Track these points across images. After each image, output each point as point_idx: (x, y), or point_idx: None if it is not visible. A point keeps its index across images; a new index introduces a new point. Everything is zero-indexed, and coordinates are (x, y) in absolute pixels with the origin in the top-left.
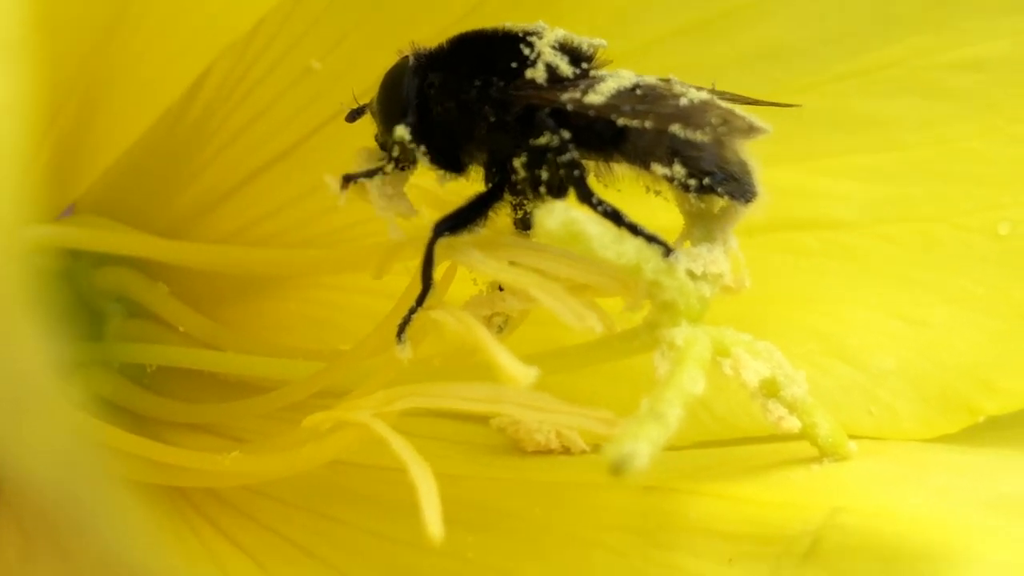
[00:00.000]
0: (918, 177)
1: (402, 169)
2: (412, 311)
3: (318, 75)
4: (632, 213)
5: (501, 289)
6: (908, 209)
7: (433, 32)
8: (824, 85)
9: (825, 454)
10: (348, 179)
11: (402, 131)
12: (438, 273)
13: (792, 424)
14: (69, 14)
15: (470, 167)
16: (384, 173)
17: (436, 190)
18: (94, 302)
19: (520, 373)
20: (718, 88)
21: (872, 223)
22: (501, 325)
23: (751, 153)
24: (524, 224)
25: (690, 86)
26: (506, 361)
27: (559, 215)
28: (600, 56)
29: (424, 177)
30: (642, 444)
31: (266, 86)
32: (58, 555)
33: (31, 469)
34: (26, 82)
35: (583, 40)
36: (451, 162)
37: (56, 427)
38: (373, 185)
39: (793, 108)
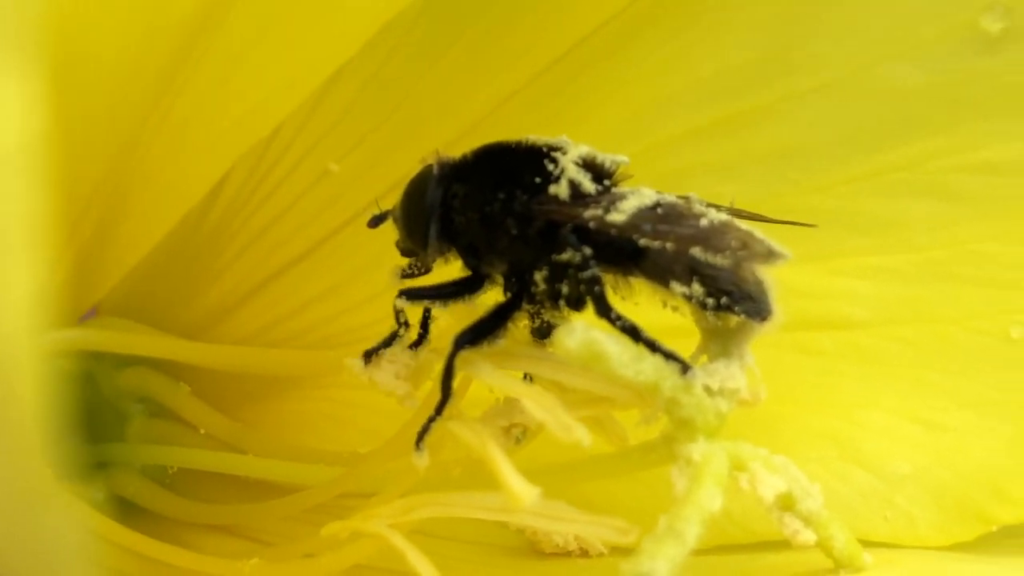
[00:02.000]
0: (931, 278)
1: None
2: (431, 420)
3: (336, 177)
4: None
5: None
6: (921, 310)
7: (450, 136)
8: (838, 186)
9: (841, 566)
10: (368, 355)
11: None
12: (456, 383)
13: (808, 537)
14: (89, 128)
15: (489, 277)
16: (399, 337)
17: None
18: (116, 403)
19: (523, 492)
20: (739, 197)
21: (886, 324)
22: (519, 436)
23: (767, 272)
24: (541, 333)
25: (709, 205)
26: (511, 479)
27: (579, 335)
28: (621, 171)
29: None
30: (660, 562)
31: (285, 188)
32: None
33: None
34: (43, 194)
35: (605, 157)
36: (472, 273)
37: (61, 541)
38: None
39: (808, 208)
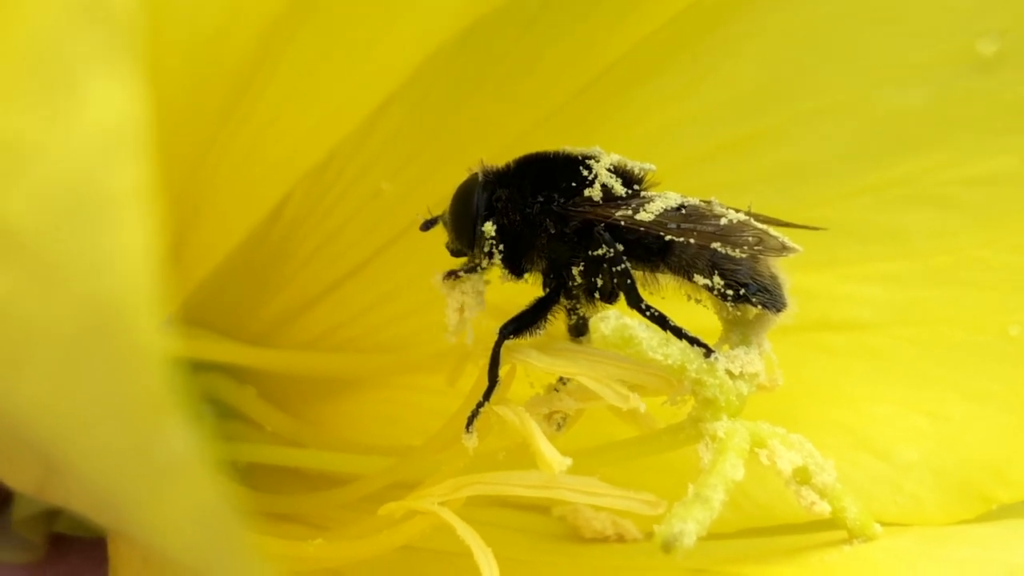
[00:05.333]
0: (933, 283)
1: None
2: (479, 405)
3: (388, 195)
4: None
5: (557, 390)
6: (926, 312)
7: (490, 155)
8: (844, 199)
9: (854, 535)
10: (450, 274)
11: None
12: (501, 374)
13: (823, 508)
14: (171, 128)
15: (529, 273)
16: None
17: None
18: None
19: (556, 460)
20: (753, 208)
21: (894, 325)
22: (560, 423)
23: (782, 267)
24: (578, 331)
25: (729, 208)
26: (545, 448)
27: (612, 322)
28: (649, 179)
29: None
30: (690, 524)
31: (342, 206)
32: None
33: (169, 537)
34: (152, 222)
35: (635, 164)
36: (514, 268)
37: (200, 502)
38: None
39: (818, 220)
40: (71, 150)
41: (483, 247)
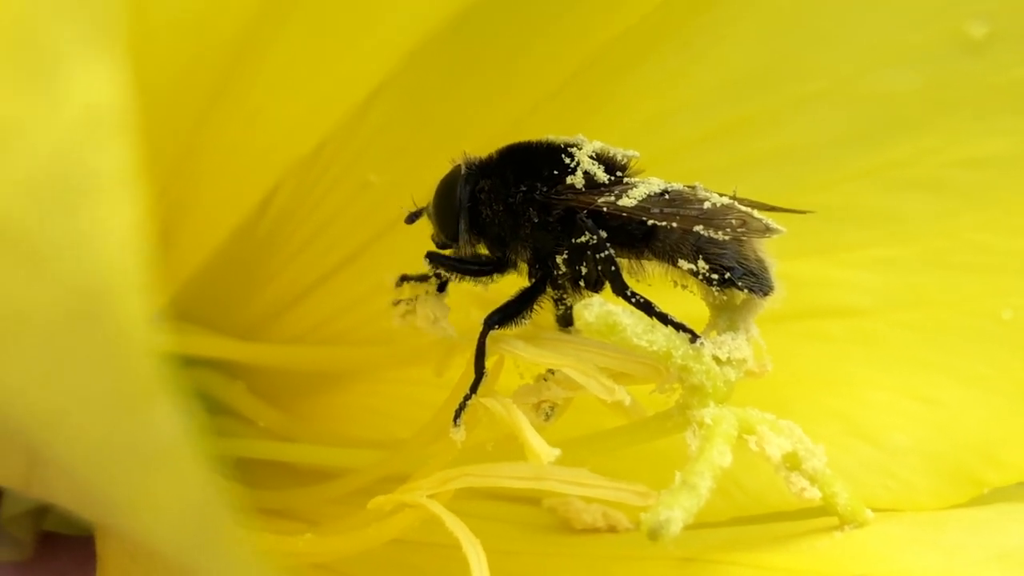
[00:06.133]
0: (928, 267)
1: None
2: (467, 398)
3: (376, 188)
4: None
5: (546, 380)
6: (919, 296)
7: (478, 146)
8: (839, 184)
9: (845, 521)
10: (404, 279)
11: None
12: (489, 365)
13: (813, 494)
14: (155, 118)
15: (513, 264)
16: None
17: (481, 292)
18: None
19: (544, 450)
20: (739, 193)
21: (888, 310)
22: (548, 412)
23: (768, 251)
24: (565, 321)
25: (713, 192)
26: (533, 439)
27: (596, 308)
28: (633, 166)
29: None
30: (676, 511)
31: (330, 199)
32: None
33: (156, 528)
34: (136, 205)
35: (617, 151)
36: (498, 258)
37: (188, 490)
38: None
39: (811, 205)
40: (54, 134)
41: (467, 239)
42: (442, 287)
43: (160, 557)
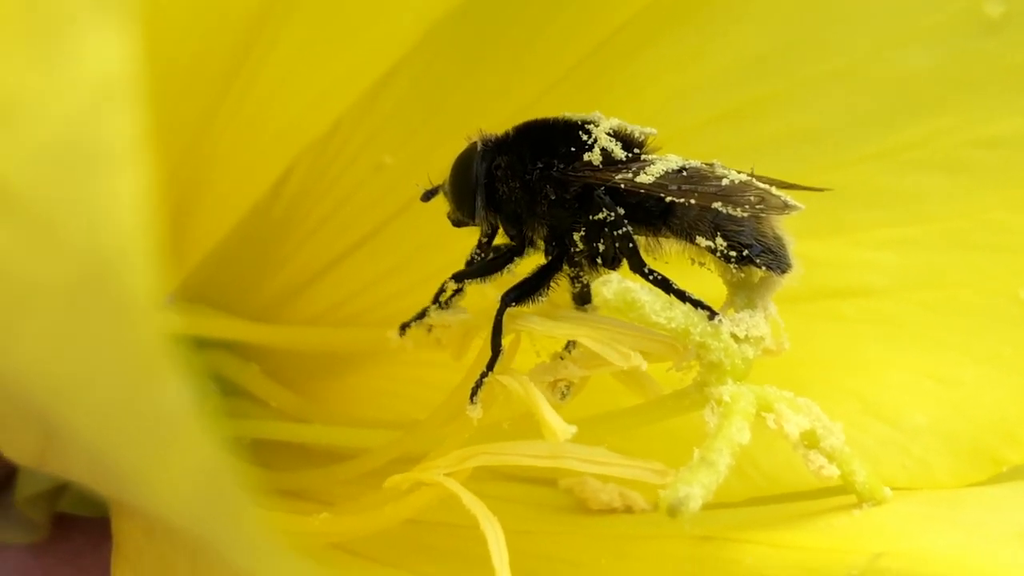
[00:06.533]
0: (945, 247)
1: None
2: (483, 375)
3: (390, 169)
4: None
5: (562, 358)
6: (937, 276)
7: (492, 127)
8: (855, 164)
9: (863, 499)
10: (404, 327)
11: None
12: (505, 343)
13: (831, 472)
14: (169, 98)
15: (531, 242)
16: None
17: None
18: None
19: (560, 427)
20: (756, 171)
21: (904, 290)
22: (564, 391)
23: (786, 229)
24: (582, 299)
25: (731, 170)
26: (549, 416)
27: (615, 285)
28: (650, 143)
29: None
30: (695, 488)
31: (345, 179)
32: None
33: (170, 500)
34: (147, 175)
35: (635, 128)
36: (516, 239)
37: (198, 460)
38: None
39: (827, 185)
40: (66, 102)
41: (483, 216)
42: (446, 303)
43: (176, 534)
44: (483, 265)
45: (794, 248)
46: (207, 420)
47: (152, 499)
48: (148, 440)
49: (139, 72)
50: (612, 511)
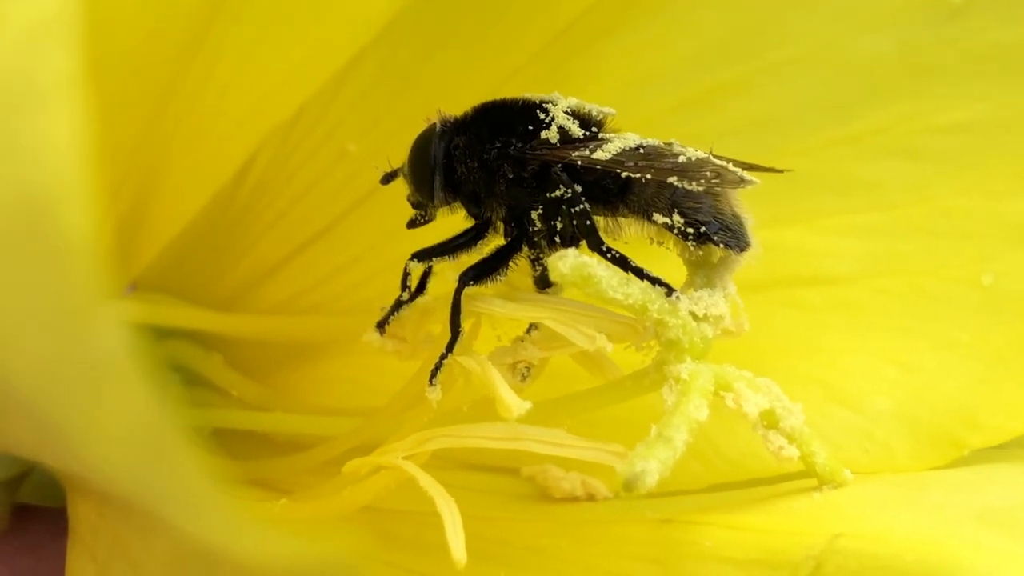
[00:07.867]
0: (907, 234)
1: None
2: (443, 357)
3: (354, 157)
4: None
5: (523, 340)
6: (899, 263)
7: (457, 113)
8: (816, 151)
9: (823, 482)
10: (381, 324)
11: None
12: (465, 326)
13: (791, 453)
14: (120, 86)
15: (492, 222)
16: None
17: None
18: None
19: (515, 403)
20: (716, 152)
21: (866, 277)
22: (524, 373)
23: (745, 207)
24: (543, 283)
25: (689, 148)
26: (505, 393)
27: (571, 260)
28: (609, 123)
29: None
30: (652, 463)
31: (308, 168)
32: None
33: (106, 454)
34: (89, 156)
35: (592, 107)
36: (476, 218)
37: (132, 405)
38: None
39: (790, 173)
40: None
41: (442, 196)
42: (412, 296)
43: (127, 510)
44: (445, 243)
45: (752, 225)
46: (143, 365)
47: (88, 455)
48: (81, 388)
49: (78, 15)
50: (574, 499)
